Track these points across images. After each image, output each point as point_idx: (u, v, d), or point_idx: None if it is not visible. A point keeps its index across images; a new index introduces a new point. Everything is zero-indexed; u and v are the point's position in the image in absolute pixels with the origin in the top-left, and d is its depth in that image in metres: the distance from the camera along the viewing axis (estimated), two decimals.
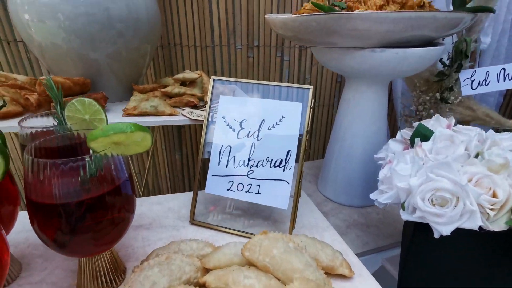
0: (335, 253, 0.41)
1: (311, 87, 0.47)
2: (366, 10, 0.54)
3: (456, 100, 0.77)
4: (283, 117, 0.48)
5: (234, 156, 0.50)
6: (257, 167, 0.49)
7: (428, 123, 0.49)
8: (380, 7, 0.54)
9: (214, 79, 0.52)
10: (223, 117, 0.51)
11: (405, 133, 0.53)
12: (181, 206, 0.56)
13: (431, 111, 0.78)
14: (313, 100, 0.47)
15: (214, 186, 0.51)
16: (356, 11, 0.51)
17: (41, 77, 0.57)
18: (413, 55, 0.52)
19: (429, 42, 0.60)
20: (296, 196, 0.48)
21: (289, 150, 0.48)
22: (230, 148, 0.50)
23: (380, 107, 0.65)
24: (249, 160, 0.49)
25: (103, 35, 0.63)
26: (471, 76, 0.79)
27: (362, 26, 0.47)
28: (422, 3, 0.61)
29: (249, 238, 0.41)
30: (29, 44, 0.64)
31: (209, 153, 0.51)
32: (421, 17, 0.48)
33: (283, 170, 0.48)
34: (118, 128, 0.30)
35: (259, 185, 0.49)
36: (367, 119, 0.66)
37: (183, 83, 0.78)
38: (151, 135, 0.34)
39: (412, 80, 0.82)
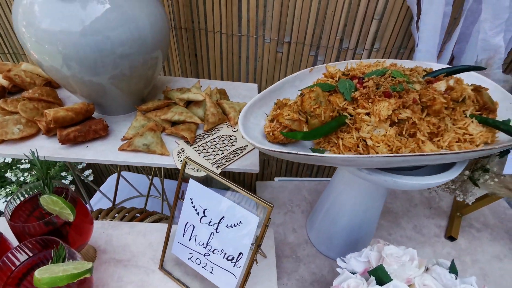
0: None
1: (271, 207, 0.45)
2: (370, 112, 0.44)
3: (491, 182, 0.64)
4: (240, 222, 0.48)
5: (196, 235, 0.54)
6: (213, 253, 0.52)
7: (391, 267, 0.45)
8: (387, 118, 0.43)
9: (186, 162, 0.51)
10: (191, 199, 0.53)
11: (373, 255, 0.50)
12: (160, 243, 0.64)
13: (453, 186, 0.67)
14: (270, 219, 0.46)
15: (178, 250, 0.57)
16: (326, 154, 0.43)
17: (46, 111, 0.61)
18: (405, 186, 0.44)
19: None
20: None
21: (240, 253, 0.49)
22: (193, 227, 0.53)
23: (377, 192, 0.59)
24: (207, 244, 0.53)
25: (105, 61, 0.62)
26: None
27: (338, 164, 0.40)
28: (462, 98, 0.47)
29: None
30: (28, 56, 0.65)
31: None
32: (420, 159, 0.39)
33: (233, 266, 0.51)
34: (52, 282, 0.35)
35: (213, 267, 0.53)
36: (359, 197, 0.60)
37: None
38: (91, 271, 0.39)
39: None
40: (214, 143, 0.70)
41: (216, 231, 0.51)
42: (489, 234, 0.81)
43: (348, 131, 0.45)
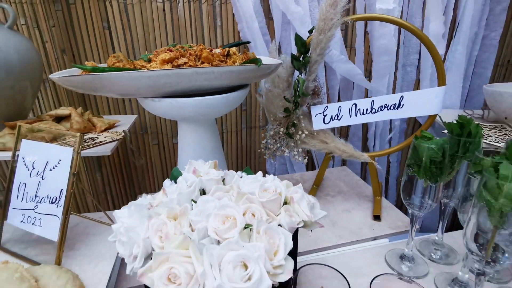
0: (66, 283, 0.48)
1: (81, 135, 0.54)
2: (153, 67, 0.61)
3: (302, 135, 0.81)
4: (60, 160, 0.56)
5: (27, 192, 0.58)
6: (40, 203, 0.57)
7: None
8: (169, 61, 0.61)
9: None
10: (23, 158, 0.60)
11: None
12: None
13: (278, 144, 0.82)
14: (81, 146, 0.55)
15: (13, 217, 0.59)
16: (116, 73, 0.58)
17: None
18: (189, 105, 0.58)
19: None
20: (63, 230, 0.55)
21: (61, 189, 0.55)
22: (25, 185, 0.59)
23: (213, 143, 0.71)
24: (36, 196, 0.57)
25: None
26: (324, 111, 0.83)
27: (119, 85, 0.54)
28: (226, 52, 0.67)
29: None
30: None
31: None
32: (179, 74, 0.55)
33: (56, 207, 0.55)
34: None
35: (41, 218, 0.56)
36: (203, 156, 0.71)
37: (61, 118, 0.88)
38: None
39: (268, 112, 0.87)
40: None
41: (43, 179, 0.57)
42: (341, 197, 0.92)
43: None
